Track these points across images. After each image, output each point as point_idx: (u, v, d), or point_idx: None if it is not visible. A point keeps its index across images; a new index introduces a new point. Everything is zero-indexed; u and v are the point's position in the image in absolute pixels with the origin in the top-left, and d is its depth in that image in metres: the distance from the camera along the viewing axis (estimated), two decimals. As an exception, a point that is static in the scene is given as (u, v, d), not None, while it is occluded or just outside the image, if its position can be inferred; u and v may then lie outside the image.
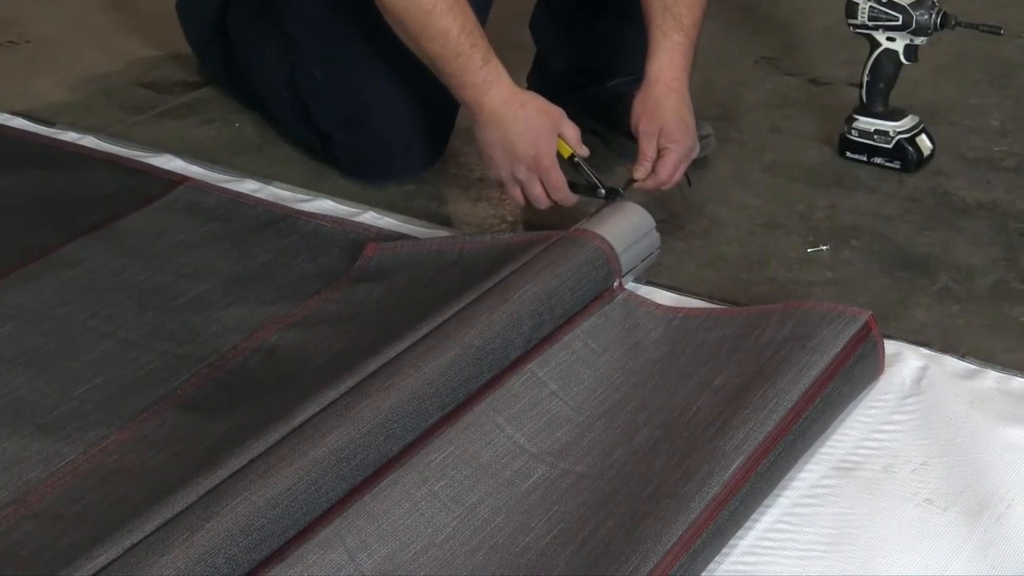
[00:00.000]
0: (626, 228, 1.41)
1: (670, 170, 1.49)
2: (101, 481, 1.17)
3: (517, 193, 1.50)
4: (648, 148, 1.49)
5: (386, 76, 1.65)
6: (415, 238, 1.53)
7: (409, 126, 1.68)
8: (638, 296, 1.38)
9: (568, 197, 1.48)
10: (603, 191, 1.48)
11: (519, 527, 1.09)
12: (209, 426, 1.23)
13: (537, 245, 1.37)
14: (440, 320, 1.24)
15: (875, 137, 1.72)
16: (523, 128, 1.45)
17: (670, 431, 1.17)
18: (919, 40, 1.69)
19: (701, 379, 1.23)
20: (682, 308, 1.37)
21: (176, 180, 1.68)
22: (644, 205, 1.46)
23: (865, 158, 1.73)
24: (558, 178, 1.47)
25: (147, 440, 1.23)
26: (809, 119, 1.87)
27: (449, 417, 1.17)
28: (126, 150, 1.78)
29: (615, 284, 1.36)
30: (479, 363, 1.21)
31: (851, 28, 1.72)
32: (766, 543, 1.11)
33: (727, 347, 1.27)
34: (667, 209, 1.62)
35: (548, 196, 1.48)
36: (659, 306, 1.37)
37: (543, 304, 1.27)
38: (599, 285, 1.34)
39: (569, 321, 1.30)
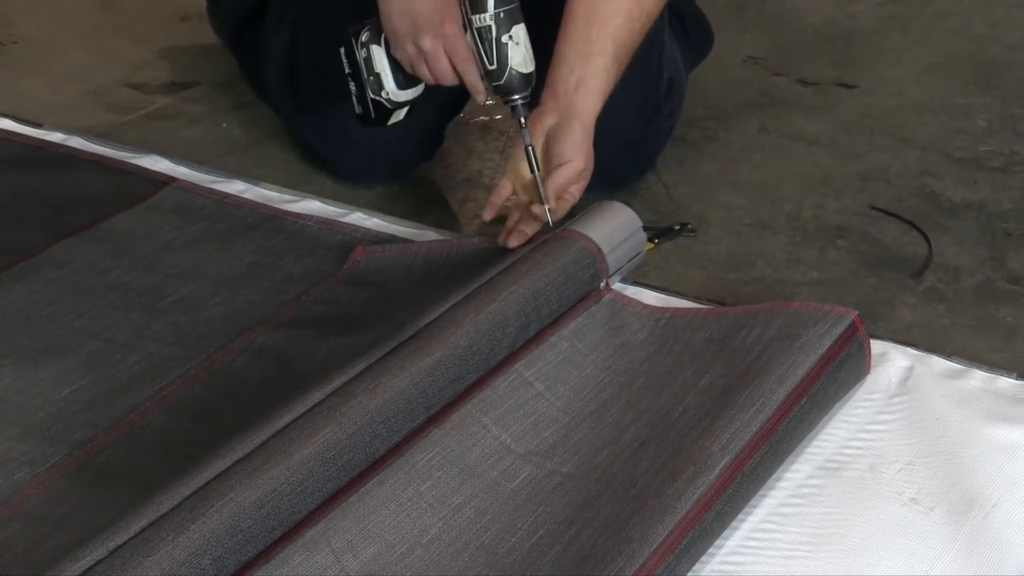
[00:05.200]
0: (613, 228, 1.40)
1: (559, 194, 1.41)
2: (88, 482, 1.17)
3: (424, 71, 1.43)
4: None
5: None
6: (403, 242, 1.52)
7: (394, 139, 1.68)
8: (625, 296, 1.38)
9: (474, 73, 1.40)
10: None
11: (505, 528, 1.09)
12: (196, 427, 1.23)
13: (524, 246, 1.37)
14: (426, 320, 1.24)
15: None
16: None
17: (656, 431, 1.17)
18: None
19: (687, 379, 1.23)
20: (668, 308, 1.37)
21: (163, 181, 1.68)
22: (630, 205, 1.46)
23: None
24: (465, 49, 1.39)
25: (134, 441, 1.23)
26: (797, 119, 1.88)
27: (435, 418, 1.17)
28: (113, 151, 1.78)
29: (602, 285, 1.36)
30: (465, 363, 1.20)
31: None
32: (752, 543, 1.11)
33: (713, 347, 1.27)
34: (654, 210, 1.63)
35: (455, 71, 1.42)
36: (645, 307, 1.37)
37: (529, 304, 1.27)
38: (586, 286, 1.34)
39: (555, 322, 1.30)
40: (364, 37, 1.44)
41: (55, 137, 1.82)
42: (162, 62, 2.09)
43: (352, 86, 1.47)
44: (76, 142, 1.81)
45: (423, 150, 1.74)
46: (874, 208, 1.64)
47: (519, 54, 1.37)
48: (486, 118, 1.88)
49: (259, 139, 1.84)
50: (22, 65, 2.12)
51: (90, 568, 0.97)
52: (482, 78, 1.41)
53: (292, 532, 1.05)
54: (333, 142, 1.69)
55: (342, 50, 1.44)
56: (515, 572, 1.05)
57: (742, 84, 1.99)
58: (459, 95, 1.72)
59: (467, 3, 1.37)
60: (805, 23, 2.18)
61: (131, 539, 0.99)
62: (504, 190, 1.44)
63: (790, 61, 2.05)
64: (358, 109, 1.47)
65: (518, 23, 1.37)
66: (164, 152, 1.77)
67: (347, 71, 1.45)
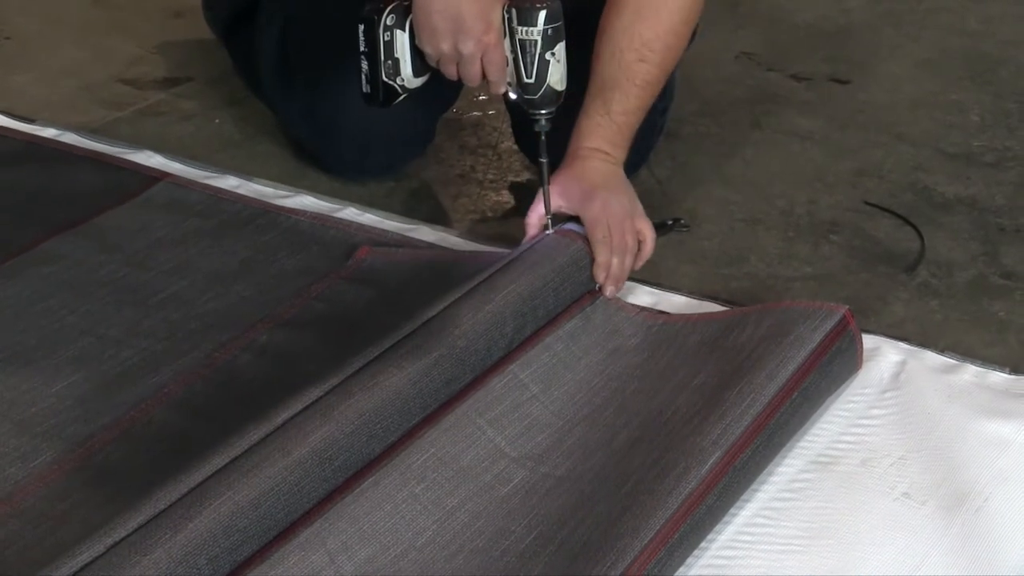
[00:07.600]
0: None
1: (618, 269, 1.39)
2: (88, 480, 1.17)
3: (452, 70, 1.41)
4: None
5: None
6: (409, 246, 1.51)
7: (385, 133, 1.67)
8: (619, 299, 1.37)
9: (503, 83, 1.40)
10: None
11: (499, 531, 1.09)
12: (198, 425, 1.23)
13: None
14: (424, 319, 1.23)
15: None
16: None
17: (649, 431, 1.17)
18: None
19: (680, 381, 1.23)
20: (661, 315, 1.36)
21: (156, 176, 1.68)
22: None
23: None
24: (501, 59, 1.38)
25: (134, 439, 1.22)
26: (790, 115, 1.88)
27: (431, 418, 1.17)
28: (106, 146, 1.78)
29: (597, 286, 1.36)
30: (462, 364, 1.21)
31: None
32: (744, 538, 1.11)
33: (705, 349, 1.27)
34: (647, 205, 1.62)
35: (483, 76, 1.41)
36: (639, 311, 1.36)
37: (527, 305, 1.27)
38: (582, 287, 1.34)
39: (551, 323, 1.30)
40: (389, 20, 1.41)
41: (48, 133, 1.82)
42: (155, 58, 2.09)
43: (364, 65, 1.44)
44: (69, 138, 1.81)
45: (415, 146, 1.74)
46: (867, 203, 1.64)
47: (558, 72, 1.36)
48: (479, 114, 1.88)
49: (252, 135, 1.84)
50: (15, 61, 2.11)
51: (87, 565, 0.97)
52: (508, 84, 1.40)
53: (288, 532, 1.05)
54: (324, 138, 1.69)
55: (360, 27, 1.41)
56: (508, 575, 1.05)
57: (735, 80, 1.99)
58: (451, 92, 1.72)
59: (514, 15, 1.35)
60: (799, 19, 2.18)
61: (128, 536, 0.99)
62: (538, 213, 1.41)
63: (783, 57, 2.05)
64: (366, 88, 1.45)
65: (561, 41, 1.36)
66: (157, 148, 1.77)
67: (362, 49, 1.42)
